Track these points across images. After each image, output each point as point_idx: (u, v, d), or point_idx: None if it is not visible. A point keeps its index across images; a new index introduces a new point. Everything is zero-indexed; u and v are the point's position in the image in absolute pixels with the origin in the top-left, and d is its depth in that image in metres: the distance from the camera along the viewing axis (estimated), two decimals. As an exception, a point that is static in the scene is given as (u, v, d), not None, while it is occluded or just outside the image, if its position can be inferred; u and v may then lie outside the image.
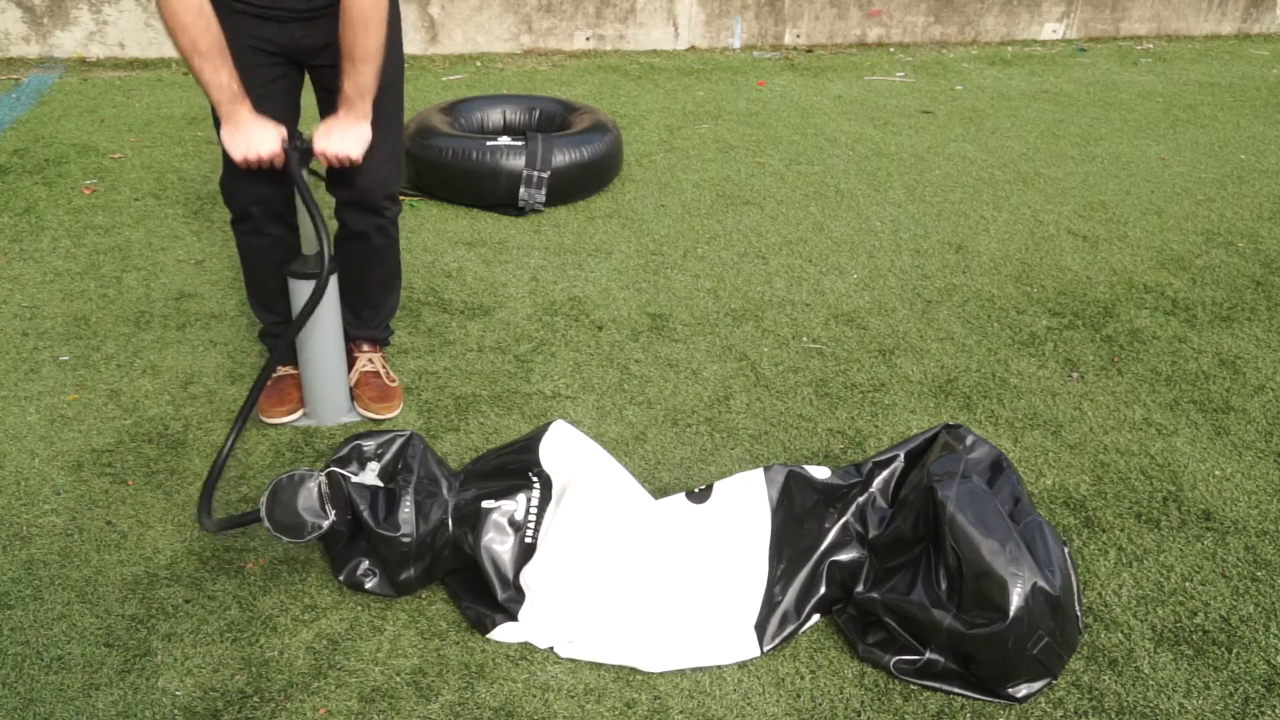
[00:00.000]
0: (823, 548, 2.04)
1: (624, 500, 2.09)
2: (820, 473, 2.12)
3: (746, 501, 2.08)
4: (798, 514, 2.07)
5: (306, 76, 2.39)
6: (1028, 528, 1.88)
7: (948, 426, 2.12)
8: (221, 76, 2.10)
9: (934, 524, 1.91)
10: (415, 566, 1.99)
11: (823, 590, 2.01)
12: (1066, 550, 1.95)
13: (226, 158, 2.30)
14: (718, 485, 2.13)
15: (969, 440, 2.05)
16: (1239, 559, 2.24)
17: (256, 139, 2.17)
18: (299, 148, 2.21)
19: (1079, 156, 4.77)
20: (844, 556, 2.03)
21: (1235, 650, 2.00)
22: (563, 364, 2.88)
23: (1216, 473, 2.53)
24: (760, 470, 2.11)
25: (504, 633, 1.95)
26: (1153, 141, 5.05)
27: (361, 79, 2.17)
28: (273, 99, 2.28)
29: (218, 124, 2.23)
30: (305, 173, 2.28)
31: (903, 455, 2.12)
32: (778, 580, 2.02)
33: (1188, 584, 2.17)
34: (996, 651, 1.79)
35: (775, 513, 2.06)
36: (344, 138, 2.22)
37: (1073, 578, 1.92)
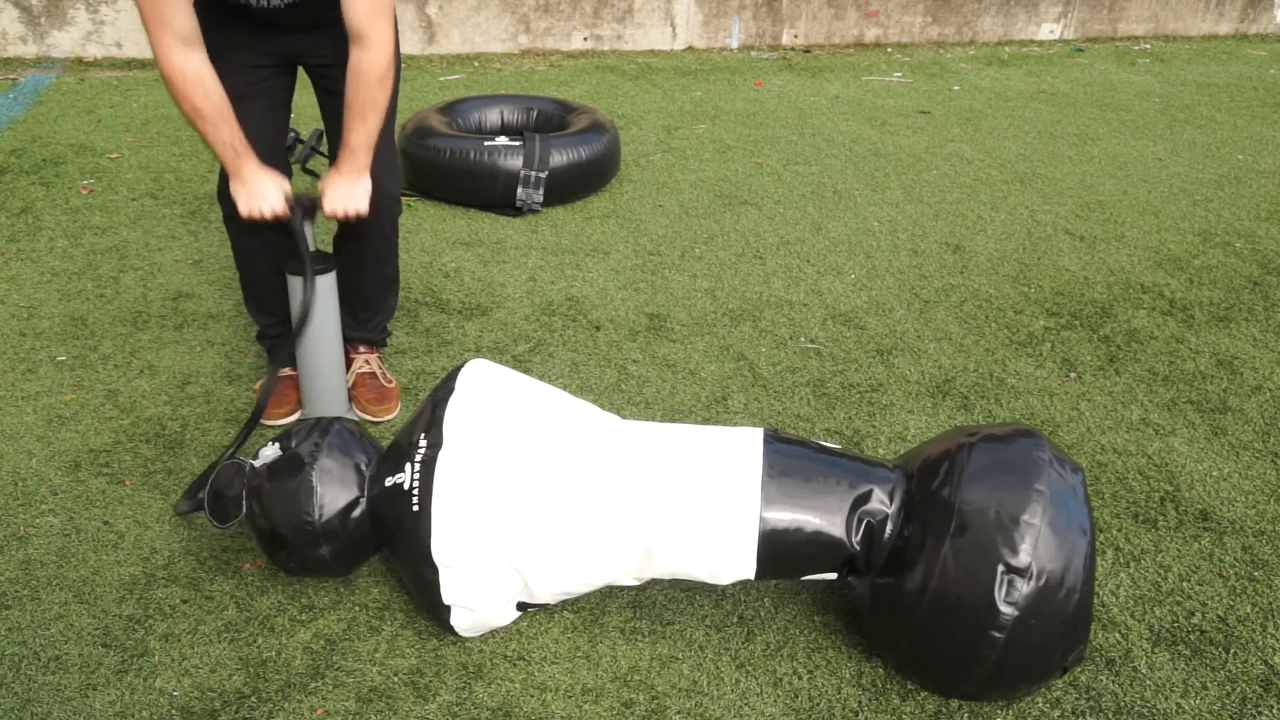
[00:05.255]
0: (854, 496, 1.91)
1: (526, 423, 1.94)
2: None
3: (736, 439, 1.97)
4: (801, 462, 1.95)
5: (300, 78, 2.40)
6: (1048, 520, 1.83)
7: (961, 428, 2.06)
8: (223, 135, 2.13)
9: (945, 517, 1.85)
10: (326, 545, 1.94)
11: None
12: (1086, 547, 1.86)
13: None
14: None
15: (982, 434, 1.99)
16: (1236, 559, 2.25)
17: (261, 195, 2.21)
18: (305, 205, 2.25)
19: (1076, 157, 4.78)
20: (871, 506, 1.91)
21: (1233, 650, 2.00)
22: (560, 364, 2.88)
23: (1214, 473, 2.53)
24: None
25: (460, 619, 1.91)
26: (1150, 142, 5.05)
27: (371, 131, 2.21)
28: (262, 98, 2.29)
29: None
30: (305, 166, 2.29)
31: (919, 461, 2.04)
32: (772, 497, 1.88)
33: (1185, 584, 2.17)
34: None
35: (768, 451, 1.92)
36: (351, 194, 2.27)
37: (1085, 578, 1.85)
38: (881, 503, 1.88)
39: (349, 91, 2.16)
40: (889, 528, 1.87)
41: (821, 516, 1.87)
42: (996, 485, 1.77)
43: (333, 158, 2.41)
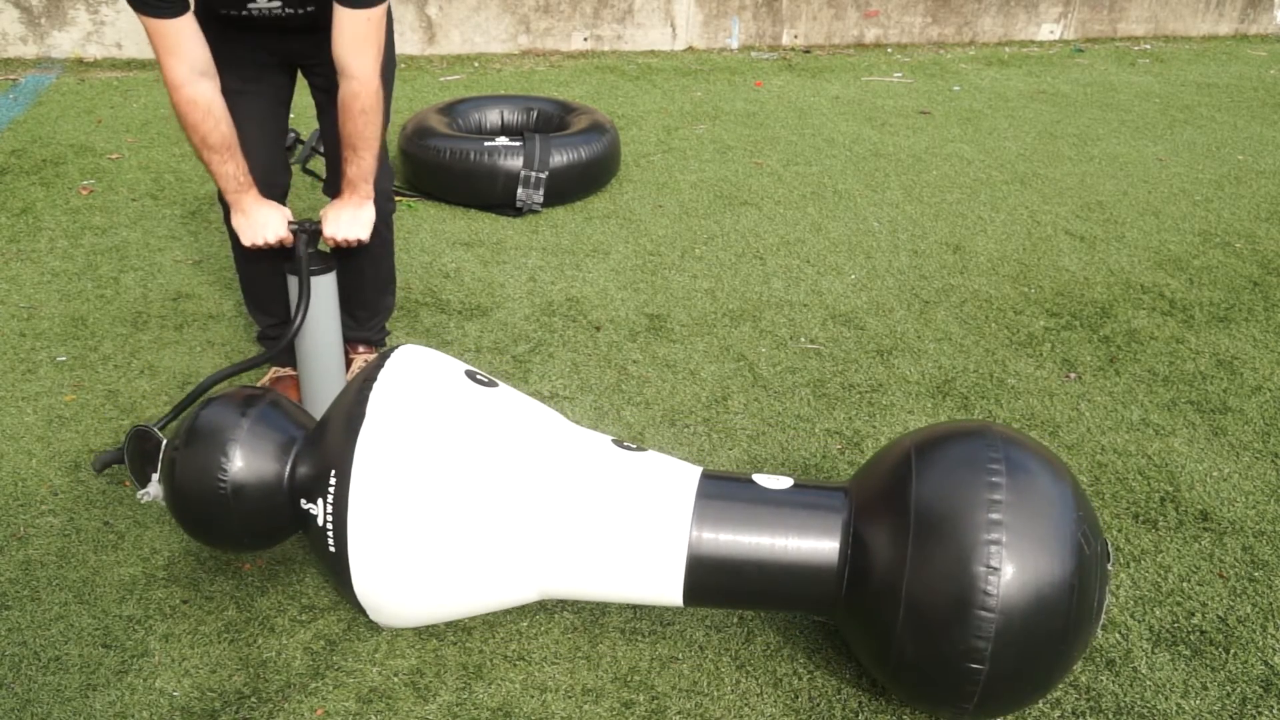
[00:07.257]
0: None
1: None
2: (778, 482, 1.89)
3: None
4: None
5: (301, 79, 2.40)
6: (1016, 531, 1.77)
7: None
8: (229, 168, 2.17)
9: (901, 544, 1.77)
10: (240, 520, 1.85)
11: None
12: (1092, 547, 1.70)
13: None
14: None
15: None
16: (1236, 559, 2.25)
17: (263, 224, 2.24)
18: (307, 229, 2.27)
19: (1076, 157, 4.78)
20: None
21: (1233, 651, 2.00)
22: (561, 364, 2.88)
23: (1214, 473, 2.53)
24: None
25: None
26: (1150, 142, 5.05)
27: (364, 164, 2.24)
28: (262, 97, 2.29)
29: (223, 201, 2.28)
30: (305, 168, 2.30)
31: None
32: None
33: (1185, 584, 2.17)
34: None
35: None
36: (352, 222, 2.29)
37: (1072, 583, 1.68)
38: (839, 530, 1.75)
39: (339, 125, 2.19)
40: (849, 554, 1.74)
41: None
42: (951, 506, 1.62)
43: (330, 165, 2.41)
